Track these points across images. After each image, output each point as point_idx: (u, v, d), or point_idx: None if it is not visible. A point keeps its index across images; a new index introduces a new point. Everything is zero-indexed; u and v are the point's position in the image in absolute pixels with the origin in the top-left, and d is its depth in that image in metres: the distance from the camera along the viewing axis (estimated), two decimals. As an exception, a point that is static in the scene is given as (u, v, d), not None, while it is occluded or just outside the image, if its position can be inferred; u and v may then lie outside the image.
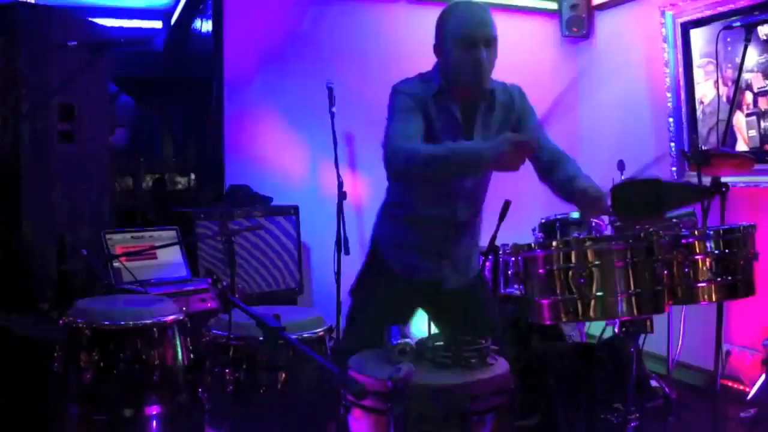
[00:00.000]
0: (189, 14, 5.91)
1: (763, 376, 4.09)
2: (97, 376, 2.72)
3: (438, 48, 2.68)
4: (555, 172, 2.71)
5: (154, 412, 2.81)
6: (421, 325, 3.00)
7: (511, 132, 2.59)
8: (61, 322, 2.84)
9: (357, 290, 2.88)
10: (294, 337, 2.40)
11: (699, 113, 4.97)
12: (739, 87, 3.48)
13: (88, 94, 4.00)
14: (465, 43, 2.56)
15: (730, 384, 4.50)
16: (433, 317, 2.91)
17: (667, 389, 4.07)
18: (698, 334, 4.20)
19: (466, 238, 2.82)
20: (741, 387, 4.43)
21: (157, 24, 6.44)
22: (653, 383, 4.10)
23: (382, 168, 2.61)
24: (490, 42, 2.58)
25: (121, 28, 6.14)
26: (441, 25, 2.67)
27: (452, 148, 2.46)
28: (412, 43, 5.18)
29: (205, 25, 5.42)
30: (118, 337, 2.76)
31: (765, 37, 3.86)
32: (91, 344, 2.74)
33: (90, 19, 4.42)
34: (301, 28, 5.16)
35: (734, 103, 3.60)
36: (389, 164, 2.50)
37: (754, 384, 4.17)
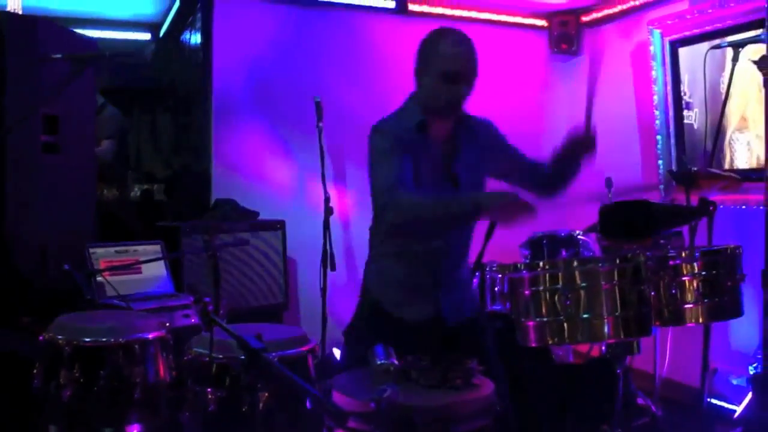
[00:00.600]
0: (178, 26, 5.89)
1: (750, 395, 4.08)
2: (77, 393, 2.68)
3: (418, 74, 2.66)
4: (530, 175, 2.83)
5: (135, 431, 2.77)
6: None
7: (492, 163, 2.70)
8: (41, 337, 2.80)
9: (351, 334, 2.84)
10: (276, 356, 2.39)
11: (687, 132, 4.99)
12: (726, 106, 3.49)
13: (73, 105, 3.96)
14: (448, 78, 2.56)
15: (716, 402, 4.49)
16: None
17: (653, 407, 4.06)
18: (685, 352, 4.19)
19: (458, 270, 2.79)
20: (728, 405, 4.42)
21: (146, 35, 6.42)
22: (640, 401, 4.09)
23: (369, 183, 2.60)
24: (472, 79, 2.61)
25: (108, 40, 6.10)
26: (425, 52, 2.64)
27: (449, 198, 2.50)
28: (401, 57, 5.15)
29: (194, 38, 5.41)
30: (98, 354, 2.72)
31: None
32: (72, 361, 2.70)
33: (77, 30, 4.39)
34: (290, 42, 5.16)
35: (722, 122, 3.60)
36: (386, 219, 2.52)
37: (740, 403, 4.16)
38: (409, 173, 2.54)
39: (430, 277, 2.71)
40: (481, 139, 2.77)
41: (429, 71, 2.60)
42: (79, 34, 4.29)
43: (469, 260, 2.98)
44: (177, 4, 5.70)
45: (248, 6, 5.09)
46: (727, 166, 4.64)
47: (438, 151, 2.66)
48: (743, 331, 4.33)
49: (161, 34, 6.33)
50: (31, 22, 3.88)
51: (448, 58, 2.57)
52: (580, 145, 2.62)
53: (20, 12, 5.15)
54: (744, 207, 4.49)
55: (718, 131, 3.62)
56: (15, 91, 3.69)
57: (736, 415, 4.12)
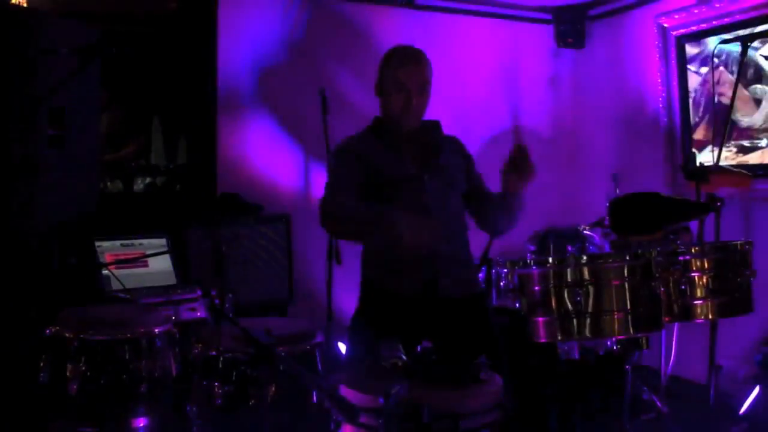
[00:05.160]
0: (182, 18, 5.86)
1: (756, 391, 4.07)
2: (83, 387, 2.69)
3: (376, 90, 2.87)
4: (485, 213, 2.92)
5: (141, 425, 2.78)
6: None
7: (466, 180, 2.86)
8: (47, 331, 2.80)
9: (354, 325, 2.85)
10: (284, 351, 2.38)
11: (693, 127, 4.97)
12: (735, 101, 3.47)
13: (78, 98, 3.95)
14: (397, 89, 2.76)
15: (722, 398, 4.48)
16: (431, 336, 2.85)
17: (659, 403, 4.05)
18: (691, 348, 4.17)
19: (453, 246, 2.79)
20: (733, 401, 4.41)
21: (151, 28, 6.39)
22: (645, 397, 4.08)
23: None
24: (421, 88, 2.77)
25: (112, 32, 6.08)
26: (381, 67, 2.85)
27: (366, 207, 2.62)
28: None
29: (199, 29, 5.38)
30: (105, 348, 2.73)
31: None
32: (78, 354, 2.71)
33: (81, 22, 4.37)
34: (295, 35, 5.14)
35: (730, 118, 3.58)
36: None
37: (746, 398, 4.15)
38: (351, 180, 2.72)
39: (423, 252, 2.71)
40: (456, 150, 2.94)
41: (383, 85, 2.83)
42: (83, 26, 4.27)
43: (472, 250, 2.99)
44: (182, -3, 5.68)
45: (253, -2, 5.08)
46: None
47: (408, 150, 2.81)
48: (749, 326, 4.32)
49: (166, 26, 6.30)
50: (36, 15, 3.87)
51: (394, 71, 2.78)
52: (515, 169, 2.65)
53: (25, 4, 5.14)
54: (753, 202, 4.48)
55: (725, 127, 3.60)
56: (19, 84, 3.68)
57: (742, 410, 4.11)
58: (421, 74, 2.78)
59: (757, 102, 4.53)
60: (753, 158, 4.58)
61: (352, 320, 2.88)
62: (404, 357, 2.23)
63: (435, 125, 2.94)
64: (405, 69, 2.77)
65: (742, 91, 4.53)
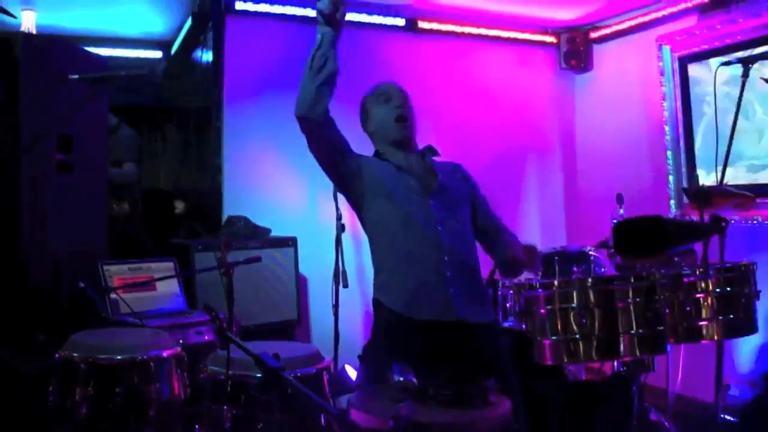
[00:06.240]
0: (189, 44, 5.93)
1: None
2: (92, 410, 2.71)
3: (365, 125, 2.98)
4: (492, 241, 2.89)
5: (150, 448, 2.78)
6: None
7: (470, 203, 2.86)
8: (57, 355, 2.82)
9: (367, 353, 2.81)
10: (292, 374, 2.39)
11: (697, 148, 4.99)
12: (737, 122, 3.48)
13: (86, 125, 3.99)
14: (383, 99, 2.89)
15: (729, 418, 4.46)
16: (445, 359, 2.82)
17: (666, 423, 4.04)
18: (697, 367, 4.16)
19: (465, 269, 2.78)
20: (741, 420, 4.39)
21: (157, 53, 6.46)
22: (652, 417, 4.06)
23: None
24: (405, 97, 2.89)
25: (120, 58, 6.15)
26: (363, 105, 2.99)
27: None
28: (412, 75, 5.21)
29: (206, 55, 5.44)
30: (114, 372, 2.75)
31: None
32: (87, 378, 2.73)
33: (88, 48, 4.43)
34: (301, 60, 5.17)
35: (732, 139, 3.59)
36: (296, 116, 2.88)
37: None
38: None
39: (436, 273, 2.69)
40: (463, 176, 2.96)
41: (370, 112, 2.95)
42: (92, 53, 4.33)
43: (483, 273, 2.99)
44: (189, 22, 5.74)
45: (259, 24, 5.13)
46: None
47: (413, 174, 2.84)
48: (755, 345, 4.32)
49: (173, 51, 6.37)
50: (45, 43, 3.92)
51: (376, 90, 2.96)
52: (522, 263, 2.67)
53: (34, 31, 5.21)
54: (756, 223, 4.49)
55: (729, 148, 3.61)
56: (31, 111, 3.72)
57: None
58: (399, 87, 2.93)
59: (760, 132, 4.56)
60: (763, 177, 4.59)
61: (365, 347, 2.84)
62: (414, 380, 2.24)
63: (429, 149, 2.98)
64: (383, 85, 2.95)
65: (745, 121, 4.55)
